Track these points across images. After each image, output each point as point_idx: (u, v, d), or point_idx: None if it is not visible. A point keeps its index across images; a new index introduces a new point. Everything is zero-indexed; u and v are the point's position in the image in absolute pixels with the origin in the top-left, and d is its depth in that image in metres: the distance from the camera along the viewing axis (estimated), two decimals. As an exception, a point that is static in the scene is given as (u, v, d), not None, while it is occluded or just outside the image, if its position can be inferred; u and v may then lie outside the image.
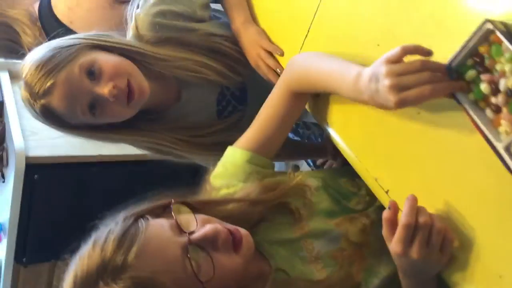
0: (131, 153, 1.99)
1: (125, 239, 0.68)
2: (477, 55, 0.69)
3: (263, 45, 1.12)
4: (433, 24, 0.79)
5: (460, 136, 0.75)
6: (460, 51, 0.69)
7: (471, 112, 0.69)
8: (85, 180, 2.12)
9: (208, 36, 1.17)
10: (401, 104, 0.72)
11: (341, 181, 1.02)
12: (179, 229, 0.71)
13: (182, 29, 1.13)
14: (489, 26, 0.66)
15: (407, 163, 0.84)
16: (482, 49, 0.68)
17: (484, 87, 0.68)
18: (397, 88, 0.72)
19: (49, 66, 0.99)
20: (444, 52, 0.72)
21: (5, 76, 2.21)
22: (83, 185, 2.13)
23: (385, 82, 0.72)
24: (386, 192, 0.86)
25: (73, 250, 0.73)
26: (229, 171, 0.94)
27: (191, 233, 0.71)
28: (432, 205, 0.77)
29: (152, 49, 1.10)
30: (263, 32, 1.15)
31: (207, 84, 1.19)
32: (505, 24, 0.67)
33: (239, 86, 1.24)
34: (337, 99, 0.95)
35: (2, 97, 2.13)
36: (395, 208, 0.75)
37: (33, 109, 1.04)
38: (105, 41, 1.07)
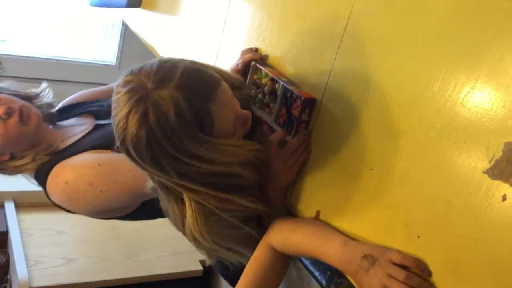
0: (136, 276, 2.12)
1: None
2: (254, 83, 1.19)
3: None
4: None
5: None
6: (248, 84, 1.19)
7: (259, 112, 1.17)
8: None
9: None
10: None
11: None
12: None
13: None
14: (254, 64, 1.17)
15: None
16: (255, 77, 1.18)
17: (260, 96, 1.17)
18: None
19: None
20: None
21: (10, 206, 2.17)
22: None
23: (380, 276, 0.79)
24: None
25: None
26: None
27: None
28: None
29: None
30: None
31: None
32: (263, 59, 1.18)
33: None
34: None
35: (7, 227, 2.08)
36: None
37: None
38: None
